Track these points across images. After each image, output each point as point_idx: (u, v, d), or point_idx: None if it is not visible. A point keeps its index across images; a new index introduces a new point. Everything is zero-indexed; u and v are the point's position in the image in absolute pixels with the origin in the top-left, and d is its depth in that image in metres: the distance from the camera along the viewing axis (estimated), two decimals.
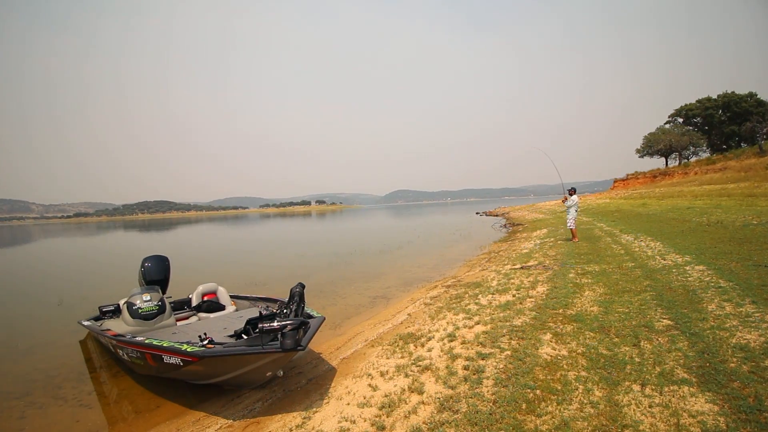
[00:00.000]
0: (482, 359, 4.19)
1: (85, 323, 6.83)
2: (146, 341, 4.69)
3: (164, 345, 4.42)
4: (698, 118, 52.22)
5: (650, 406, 2.95)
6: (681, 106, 53.99)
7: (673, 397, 3.04)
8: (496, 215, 43.83)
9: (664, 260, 7.81)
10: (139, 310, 5.92)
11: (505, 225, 28.66)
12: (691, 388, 3.12)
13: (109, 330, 5.80)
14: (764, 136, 39.48)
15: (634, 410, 2.92)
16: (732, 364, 3.41)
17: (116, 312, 7.03)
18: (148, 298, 6.07)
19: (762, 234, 9.34)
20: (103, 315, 7.05)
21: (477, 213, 54.06)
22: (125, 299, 6.25)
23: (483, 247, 17.25)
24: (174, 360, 4.30)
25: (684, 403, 2.94)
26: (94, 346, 7.10)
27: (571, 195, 12.51)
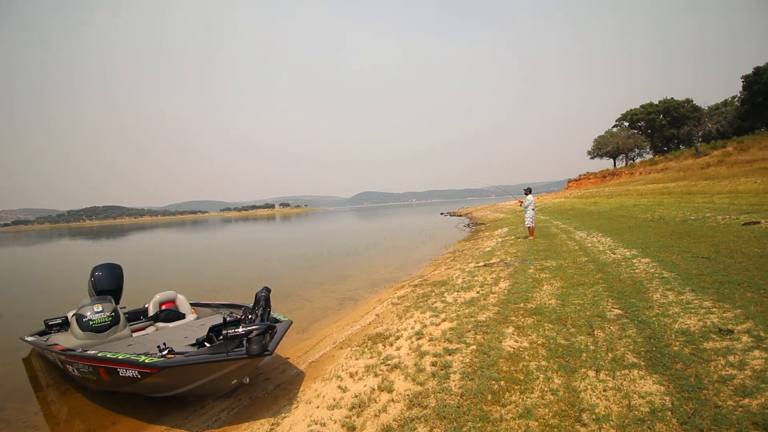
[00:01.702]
0: (449, 355, 4.29)
1: (29, 339, 6.32)
2: (99, 354, 4.41)
3: (119, 357, 4.18)
4: (642, 122, 56.20)
5: (604, 390, 3.14)
6: (626, 111, 57.86)
7: (625, 380, 3.26)
8: (460, 215, 44.92)
9: (614, 254, 8.33)
10: (90, 322, 5.54)
11: (468, 225, 29.44)
12: (640, 372, 3.36)
13: (56, 345, 5.41)
14: (699, 139, 43.14)
15: (590, 395, 3.11)
16: (675, 348, 3.70)
17: (64, 325, 6.55)
18: (100, 309, 5.70)
19: (699, 228, 10.19)
20: (49, 329, 6.55)
21: (442, 213, 55.09)
22: (74, 311, 5.84)
23: (448, 246, 17.61)
24: (131, 373, 4.08)
25: (634, 386, 3.16)
26: (39, 363, 6.59)
27: (527, 195, 13.05)
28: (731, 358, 3.35)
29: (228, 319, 5.09)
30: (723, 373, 3.15)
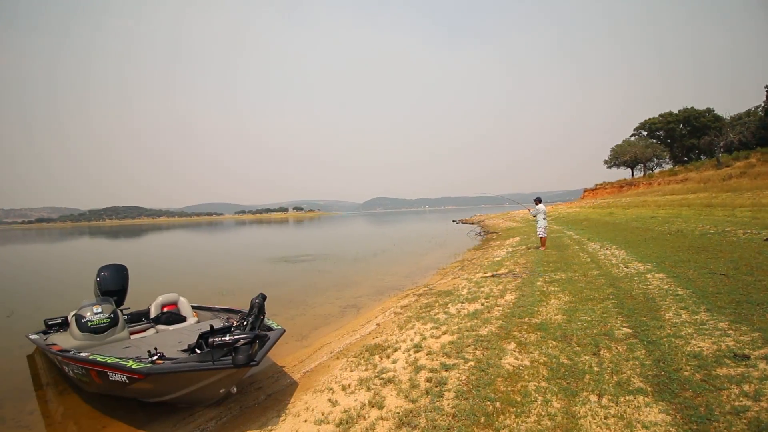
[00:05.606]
0: (446, 371, 4.11)
1: (32, 337, 6.38)
2: (90, 357, 4.39)
3: (108, 361, 4.14)
4: (661, 132, 54.80)
5: (605, 417, 2.94)
6: (645, 120, 56.53)
7: (629, 407, 3.04)
8: (472, 223, 44.44)
9: (627, 268, 8.01)
10: (89, 323, 5.55)
11: (479, 233, 29.05)
12: (645, 398, 3.14)
13: (54, 344, 5.42)
14: (721, 149, 41.82)
15: (589, 422, 2.91)
16: (686, 373, 3.45)
17: (63, 325, 6.61)
18: (99, 310, 5.71)
19: (718, 243, 9.75)
20: (48, 329, 6.61)
21: (453, 221, 54.62)
22: (74, 311, 5.87)
23: (457, 254, 17.35)
24: (120, 377, 4.04)
25: (638, 414, 2.94)
26: (41, 361, 6.64)
27: (536, 204, 12.74)
28: (746, 387, 3.10)
29: (225, 324, 5.03)
30: (736, 404, 2.91)
